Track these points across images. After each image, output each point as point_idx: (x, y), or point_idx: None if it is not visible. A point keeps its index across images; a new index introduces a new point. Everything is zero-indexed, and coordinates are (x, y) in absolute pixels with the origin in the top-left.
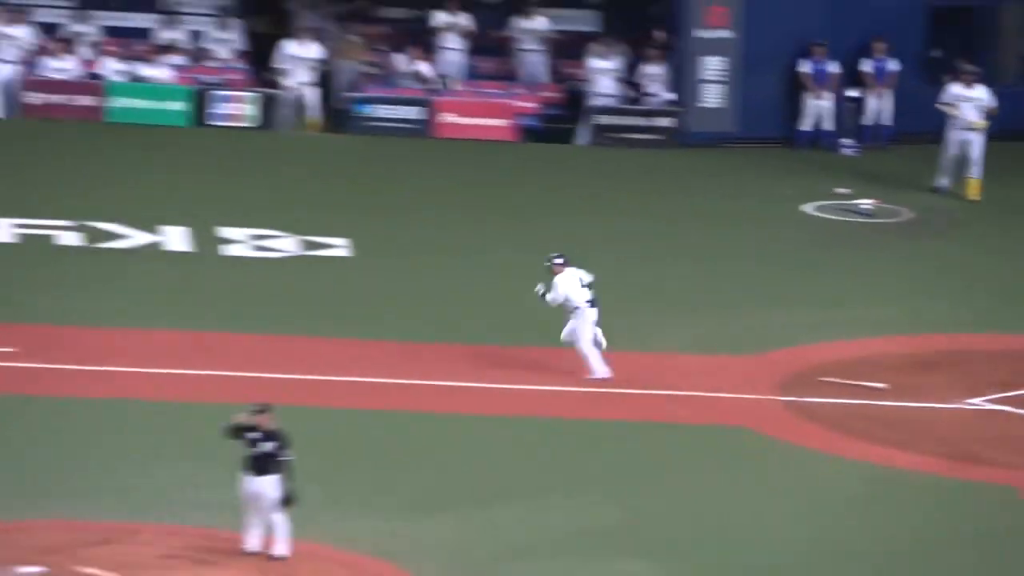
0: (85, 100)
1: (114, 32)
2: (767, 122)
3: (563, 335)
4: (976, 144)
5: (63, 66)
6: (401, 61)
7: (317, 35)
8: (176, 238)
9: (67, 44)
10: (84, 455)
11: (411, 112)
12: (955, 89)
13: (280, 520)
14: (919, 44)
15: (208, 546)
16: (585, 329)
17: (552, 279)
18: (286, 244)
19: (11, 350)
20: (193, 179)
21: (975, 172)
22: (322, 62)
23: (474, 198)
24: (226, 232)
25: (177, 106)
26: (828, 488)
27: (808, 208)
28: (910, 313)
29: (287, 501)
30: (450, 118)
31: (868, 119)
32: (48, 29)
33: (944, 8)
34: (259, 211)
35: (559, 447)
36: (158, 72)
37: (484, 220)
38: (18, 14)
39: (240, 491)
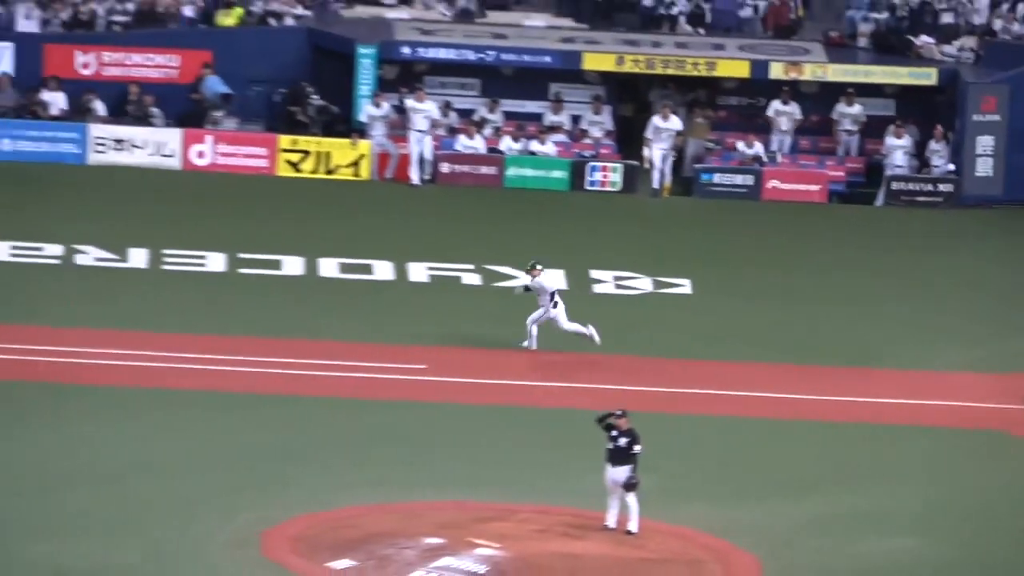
0: (488, 170)
1: (512, 116)
2: None
3: (529, 319)
4: None
5: (472, 144)
6: (738, 140)
7: (675, 111)
8: (555, 278)
9: (476, 126)
10: (479, 451)
11: (744, 179)
12: None
13: (632, 502)
14: None
15: (574, 523)
16: (560, 316)
17: (533, 279)
18: (642, 283)
19: (421, 366)
20: (571, 232)
21: None
22: (679, 133)
23: (792, 249)
24: (595, 273)
25: (560, 175)
26: None
27: None
28: None
29: (635, 486)
30: (775, 184)
31: None
32: (463, 113)
33: None
34: (622, 257)
35: (857, 446)
36: (545, 148)
37: (796, 269)
38: (422, 91)
39: (602, 478)
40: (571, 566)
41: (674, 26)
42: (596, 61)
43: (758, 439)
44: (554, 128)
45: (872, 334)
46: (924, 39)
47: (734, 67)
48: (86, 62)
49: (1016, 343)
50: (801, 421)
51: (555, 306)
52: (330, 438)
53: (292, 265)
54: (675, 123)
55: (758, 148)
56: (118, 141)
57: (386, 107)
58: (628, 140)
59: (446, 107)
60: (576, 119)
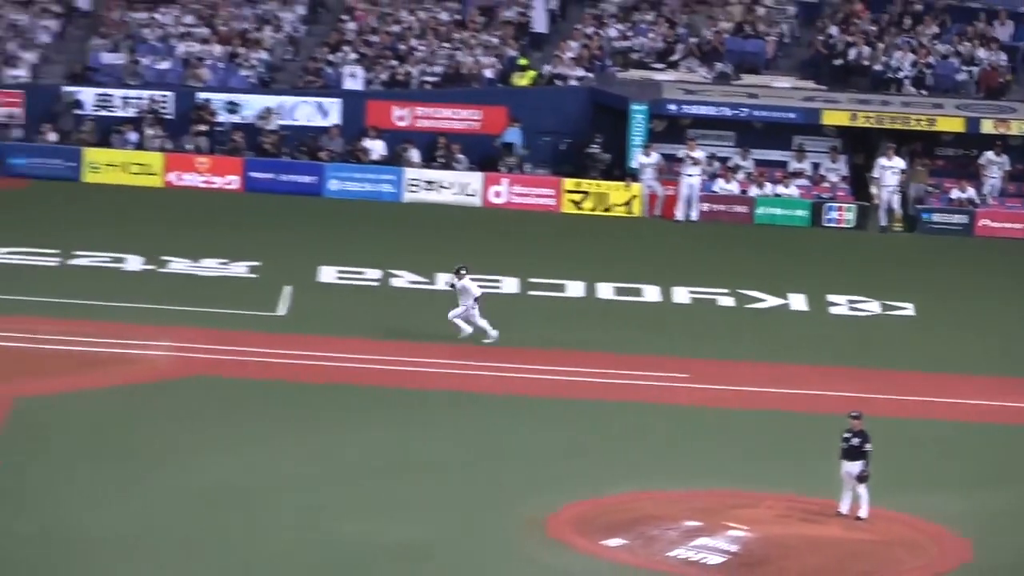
0: (741, 209)
1: (761, 163)
2: None
3: (451, 314)
4: None
5: (728, 187)
6: (953, 185)
7: (898, 152)
8: (798, 301)
9: (731, 171)
10: (729, 449)
11: (960, 218)
12: None
13: (863, 492)
14: None
15: (812, 510)
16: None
17: (459, 281)
18: (871, 306)
19: (684, 375)
20: (811, 262)
21: None
22: (902, 171)
23: (1004, 276)
24: (832, 297)
25: (802, 213)
26: None
27: None
28: None
29: (866, 478)
30: (986, 223)
31: None
32: (720, 160)
33: None
34: (854, 283)
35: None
36: (790, 190)
37: (1008, 293)
38: (693, 142)
39: (837, 472)
40: (810, 546)
41: (900, 88)
42: (833, 117)
43: (971, 439)
44: (797, 174)
45: None
46: None
47: (951, 123)
48: (402, 115)
49: None
50: (1010, 425)
51: (475, 306)
52: (601, 435)
53: (574, 288)
54: (898, 162)
55: (971, 192)
56: (428, 182)
57: (655, 155)
58: (860, 184)
59: (711, 157)
60: (816, 166)
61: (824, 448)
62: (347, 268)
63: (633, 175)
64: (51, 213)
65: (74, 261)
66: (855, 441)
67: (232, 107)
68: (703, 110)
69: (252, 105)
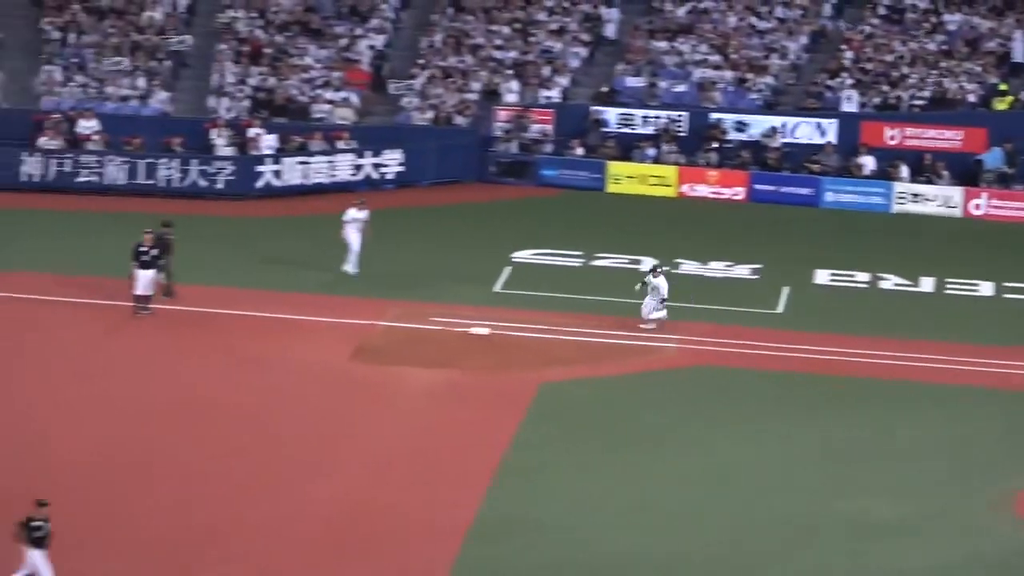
0: None
1: None
2: None
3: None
4: None
5: None
6: None
7: None
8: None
9: None
10: None
11: None
12: None
13: None
14: None
15: None
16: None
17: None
18: None
19: None
20: None
21: None
22: None
23: None
24: None
25: None
26: None
27: None
28: None
29: None
30: None
31: None
32: None
33: None
34: None
35: None
36: None
37: None
38: None
39: None
40: None
41: None
42: None
43: None
44: None
45: None
46: None
47: None
48: (892, 135)
49: None
50: None
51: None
52: None
53: None
54: None
55: None
56: (915, 195)
57: None
58: None
59: None
60: None
61: None
62: (839, 271)
63: None
64: (577, 219)
65: (595, 263)
66: None
67: (740, 126)
68: None
69: (758, 124)
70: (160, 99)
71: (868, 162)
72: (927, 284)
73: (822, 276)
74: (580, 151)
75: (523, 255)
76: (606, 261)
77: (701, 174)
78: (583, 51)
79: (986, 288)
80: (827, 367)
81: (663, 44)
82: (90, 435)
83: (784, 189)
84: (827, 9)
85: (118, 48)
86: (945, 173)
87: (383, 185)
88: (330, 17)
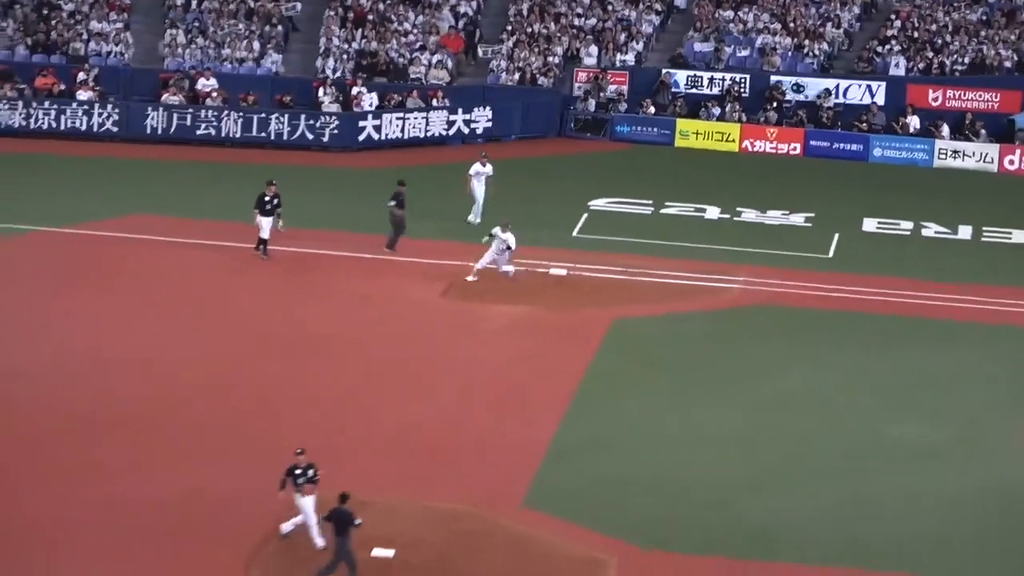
0: None
1: None
2: None
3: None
4: None
5: None
6: None
7: None
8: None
9: None
10: None
11: None
12: None
13: None
14: None
15: None
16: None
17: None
18: None
19: None
20: None
21: None
22: None
23: None
24: None
25: None
26: None
27: None
28: None
29: None
30: None
31: None
32: None
33: None
34: None
35: None
36: None
37: None
38: None
39: None
40: None
41: None
42: None
43: None
44: None
45: None
46: None
47: None
48: (935, 97)
49: None
50: None
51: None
52: None
53: None
54: None
55: None
56: (955, 152)
57: None
58: None
59: None
60: None
61: None
62: (885, 220)
63: None
64: (648, 171)
65: (665, 211)
66: None
67: (797, 88)
68: None
69: (814, 87)
70: (272, 60)
71: (913, 121)
72: (965, 232)
73: (869, 224)
74: (651, 110)
75: (599, 203)
76: (674, 209)
77: (761, 131)
78: (656, 19)
79: (1019, 236)
80: (874, 307)
81: (728, 13)
82: (212, 363)
83: (836, 145)
84: None
85: (235, 14)
86: (983, 132)
87: (473, 140)
88: None
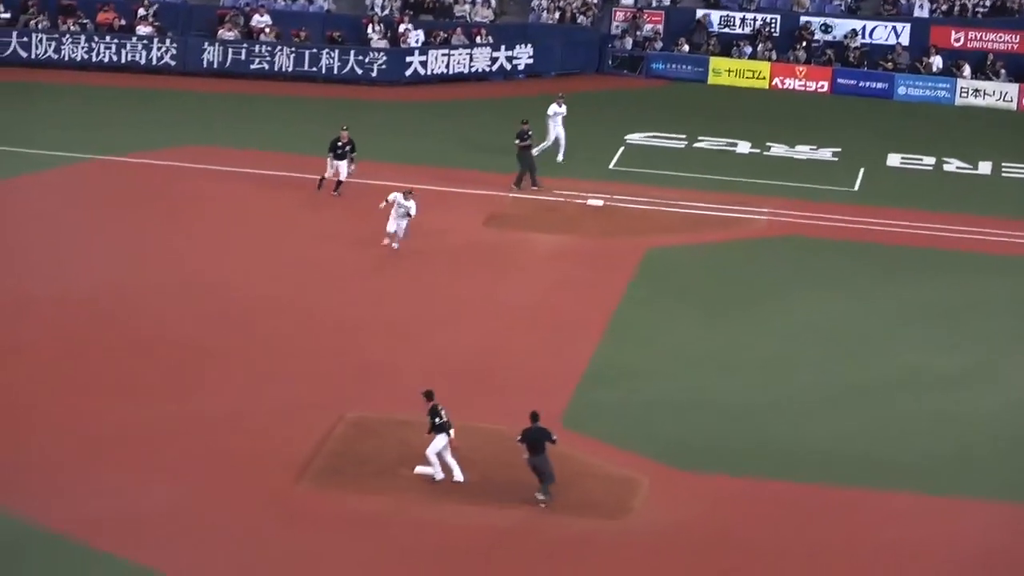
0: None
1: None
2: None
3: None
4: None
5: None
6: None
7: None
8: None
9: None
10: None
11: None
12: None
13: None
14: None
15: None
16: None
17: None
18: None
19: None
20: None
21: None
22: None
23: None
24: None
25: None
26: None
27: None
28: None
29: None
30: None
31: None
32: None
33: None
34: None
35: None
36: None
37: None
38: None
39: None
40: None
41: None
42: None
43: None
44: None
45: None
46: None
47: None
48: (957, 37)
49: None
50: None
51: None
52: None
53: None
54: None
55: None
56: (976, 90)
57: None
58: None
59: None
60: None
61: None
62: (909, 155)
63: None
64: (681, 107)
65: (697, 145)
66: None
67: (826, 28)
68: None
69: (841, 27)
70: None
71: (936, 61)
72: (985, 167)
73: (893, 159)
74: (686, 48)
75: (635, 137)
76: (706, 144)
77: (791, 69)
78: None
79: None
80: (897, 238)
81: None
82: (265, 288)
83: (862, 83)
84: None
85: None
86: (1002, 71)
87: (514, 75)
88: None
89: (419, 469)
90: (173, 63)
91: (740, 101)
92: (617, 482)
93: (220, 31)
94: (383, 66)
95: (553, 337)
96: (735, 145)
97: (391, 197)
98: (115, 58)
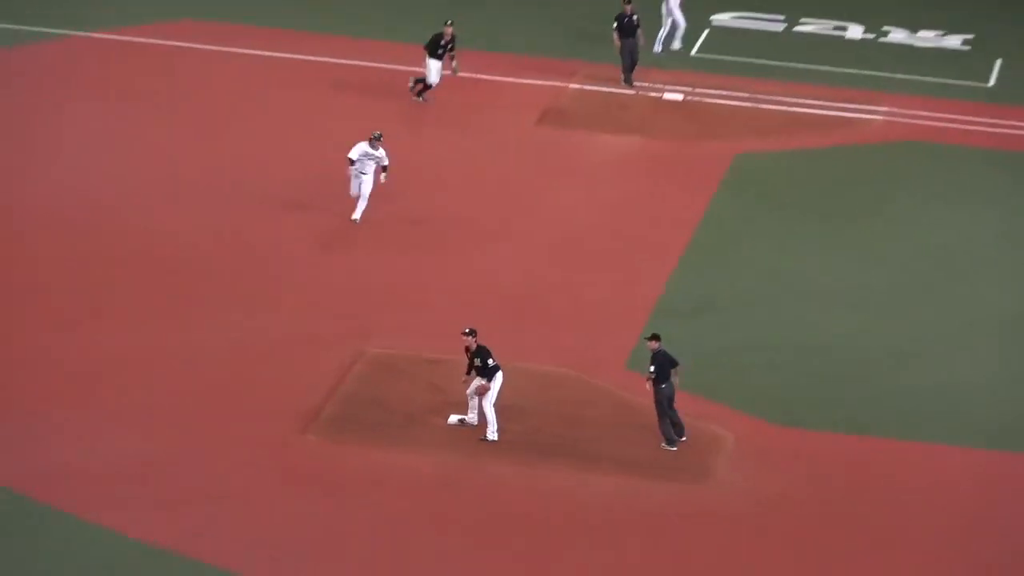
0: None
1: None
2: None
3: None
4: None
5: None
6: None
7: None
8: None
9: None
10: None
11: None
12: None
13: None
14: None
15: None
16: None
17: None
18: None
19: None
20: None
21: None
22: None
23: None
24: None
25: None
26: None
27: None
28: None
29: None
30: None
31: None
32: None
33: None
34: None
35: None
36: None
37: None
38: None
39: None
40: None
41: None
42: None
43: None
44: None
45: None
46: None
47: None
48: None
49: None
50: None
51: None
52: None
53: None
54: None
55: None
56: None
57: None
58: None
59: None
60: None
61: None
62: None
63: None
64: None
65: (799, 28)
66: None
67: None
68: None
69: None
70: None
71: None
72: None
73: None
74: None
75: (722, 17)
76: (809, 27)
77: None
78: None
79: None
80: None
81: None
82: (277, 192)
83: None
84: None
85: None
86: None
87: None
88: None
89: (453, 419)
90: None
91: None
92: (696, 439)
93: None
94: None
95: (618, 261)
96: (844, 28)
97: (354, 152)
98: None
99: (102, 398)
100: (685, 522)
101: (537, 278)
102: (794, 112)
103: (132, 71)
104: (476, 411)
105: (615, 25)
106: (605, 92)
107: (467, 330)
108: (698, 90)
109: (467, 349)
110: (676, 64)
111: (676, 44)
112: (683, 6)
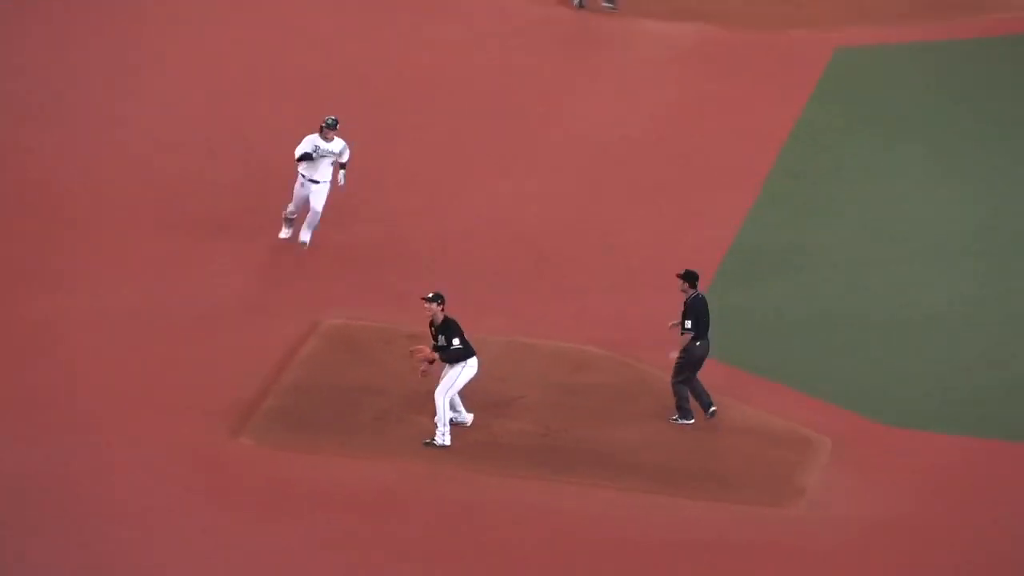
0: None
1: None
2: None
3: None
4: None
5: None
6: None
7: None
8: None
9: None
10: None
11: None
12: None
13: None
14: None
15: None
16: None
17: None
18: None
19: None
20: None
21: None
22: None
23: None
24: None
25: None
26: None
27: None
28: None
29: None
30: None
31: None
32: None
33: None
34: None
35: None
36: None
37: None
38: None
39: None
40: None
41: None
42: None
43: None
44: None
45: None
46: None
47: None
48: None
49: None
50: None
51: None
52: None
53: None
54: None
55: None
56: None
57: None
58: None
59: None
60: None
61: None
62: None
63: None
64: None
65: None
66: None
67: None
68: None
69: None
70: None
71: None
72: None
73: None
74: None
75: None
76: None
77: None
78: None
79: None
80: None
81: None
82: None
83: None
84: None
85: None
86: None
87: None
88: None
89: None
90: None
91: None
92: (778, 443)
93: None
94: None
95: (672, 194)
96: None
97: (303, 146)
98: None
99: None
100: (762, 558)
101: (557, 220)
102: None
103: None
104: (462, 407)
105: None
106: None
107: (429, 295)
108: None
109: (430, 323)
110: None
111: None
112: None
